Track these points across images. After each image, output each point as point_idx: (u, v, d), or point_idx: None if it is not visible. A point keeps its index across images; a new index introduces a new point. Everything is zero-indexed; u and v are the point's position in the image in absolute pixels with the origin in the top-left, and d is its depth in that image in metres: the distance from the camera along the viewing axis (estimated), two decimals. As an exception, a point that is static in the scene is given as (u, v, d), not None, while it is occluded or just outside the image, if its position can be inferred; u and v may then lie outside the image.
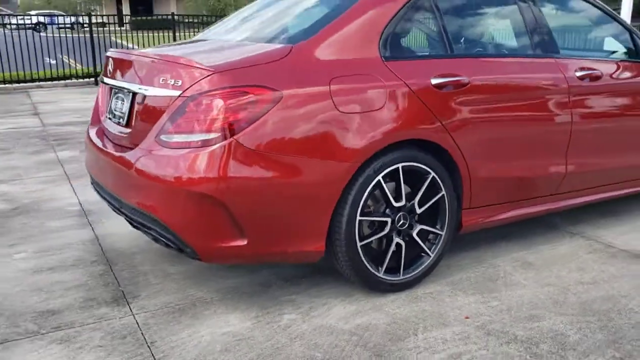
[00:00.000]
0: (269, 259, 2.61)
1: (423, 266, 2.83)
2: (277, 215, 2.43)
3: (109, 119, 3.01)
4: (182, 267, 3.07)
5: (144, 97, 2.62)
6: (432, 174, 2.75)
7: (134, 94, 2.72)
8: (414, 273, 2.81)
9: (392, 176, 2.66)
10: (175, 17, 14.38)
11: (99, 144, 2.94)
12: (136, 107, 2.70)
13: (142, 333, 2.41)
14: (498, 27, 3.47)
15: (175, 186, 2.33)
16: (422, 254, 2.83)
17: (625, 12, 8.77)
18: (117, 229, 3.58)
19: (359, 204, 2.55)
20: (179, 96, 2.39)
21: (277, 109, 2.36)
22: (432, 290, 2.81)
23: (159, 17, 16.54)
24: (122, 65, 2.93)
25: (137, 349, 2.29)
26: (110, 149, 2.82)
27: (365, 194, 2.56)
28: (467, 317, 2.55)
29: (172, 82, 2.45)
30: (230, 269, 3.03)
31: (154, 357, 2.24)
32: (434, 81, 2.75)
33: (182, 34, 14.77)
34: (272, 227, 2.43)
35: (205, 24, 14.72)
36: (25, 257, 3.23)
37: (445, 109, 2.76)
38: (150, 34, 13.90)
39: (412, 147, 2.71)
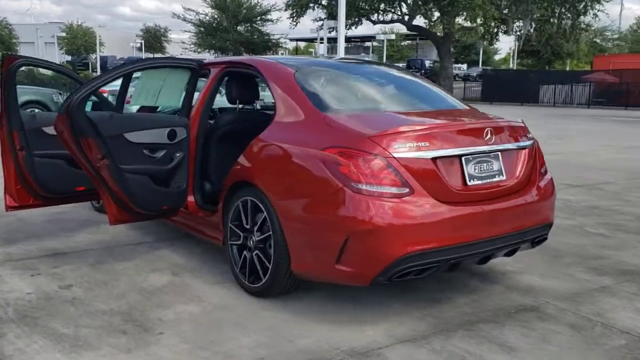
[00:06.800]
0: None
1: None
2: None
3: (473, 182, 3.42)
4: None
5: (525, 149, 3.78)
6: None
7: (503, 151, 3.61)
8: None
9: None
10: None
11: (481, 207, 3.40)
12: (509, 160, 3.66)
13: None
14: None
15: (553, 196, 3.94)
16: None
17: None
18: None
19: None
20: (532, 145, 3.84)
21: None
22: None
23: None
24: (495, 133, 3.56)
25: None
26: (500, 202, 3.51)
27: None
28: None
29: (527, 136, 3.86)
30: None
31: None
32: None
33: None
34: None
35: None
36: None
37: None
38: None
39: None
